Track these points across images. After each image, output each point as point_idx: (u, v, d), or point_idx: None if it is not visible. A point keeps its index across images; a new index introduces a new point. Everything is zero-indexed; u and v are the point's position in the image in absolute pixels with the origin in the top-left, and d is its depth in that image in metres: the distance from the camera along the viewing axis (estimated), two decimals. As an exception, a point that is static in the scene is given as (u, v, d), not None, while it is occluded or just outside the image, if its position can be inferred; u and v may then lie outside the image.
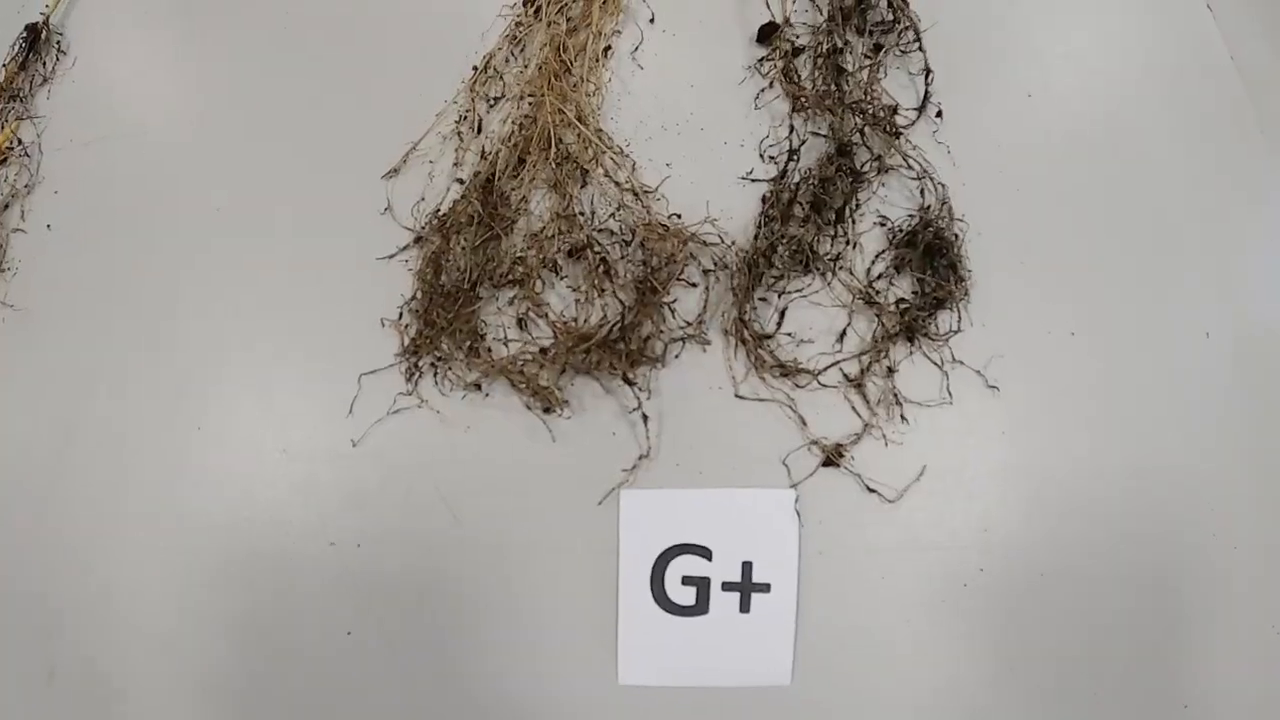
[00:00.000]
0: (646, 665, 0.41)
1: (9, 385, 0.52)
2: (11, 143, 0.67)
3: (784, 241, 0.44)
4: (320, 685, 0.42)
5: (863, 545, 0.41)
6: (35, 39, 0.72)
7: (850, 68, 0.53)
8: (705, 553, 0.41)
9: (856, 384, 0.45)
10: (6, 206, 0.64)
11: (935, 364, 0.44)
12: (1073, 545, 0.44)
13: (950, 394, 0.44)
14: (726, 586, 0.41)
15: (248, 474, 0.44)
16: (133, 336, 0.51)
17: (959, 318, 0.45)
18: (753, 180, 0.47)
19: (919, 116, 0.51)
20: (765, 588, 0.41)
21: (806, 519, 0.42)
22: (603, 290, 0.42)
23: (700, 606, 0.40)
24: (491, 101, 0.49)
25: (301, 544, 0.43)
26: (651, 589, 0.40)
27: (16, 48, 0.70)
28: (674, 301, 0.43)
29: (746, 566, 0.41)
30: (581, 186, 0.46)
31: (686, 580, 0.41)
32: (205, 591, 0.43)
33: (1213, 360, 0.48)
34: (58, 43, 0.73)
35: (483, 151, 0.46)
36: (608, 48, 0.50)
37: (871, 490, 0.42)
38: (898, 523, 0.42)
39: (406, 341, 0.43)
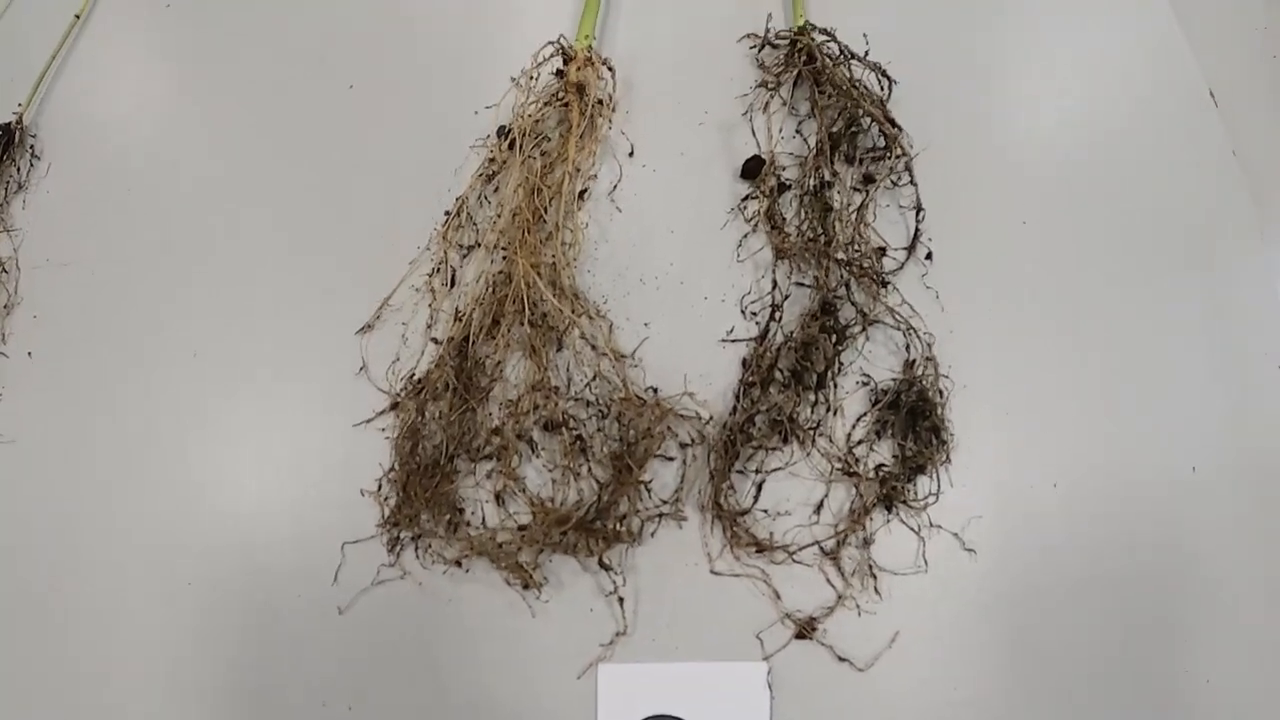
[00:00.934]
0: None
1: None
2: None
3: (763, 410, 0.47)
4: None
5: (835, 714, 0.44)
6: (9, 140, 0.72)
7: (838, 204, 0.53)
8: (682, 725, 0.47)
9: (832, 557, 0.48)
10: None
11: (912, 529, 0.46)
12: (1048, 711, 0.47)
13: (925, 561, 0.46)
14: (701, 759, 0.46)
15: (238, 637, 0.45)
16: (115, 476, 0.51)
17: (938, 483, 0.47)
18: (733, 340, 0.47)
19: (909, 257, 0.51)
20: (739, 758, 0.46)
21: (779, 690, 0.44)
22: (578, 468, 0.44)
23: (675, 781, 0.46)
24: (464, 251, 0.49)
25: (296, 708, 0.48)
26: (629, 762, 0.46)
27: None
28: (650, 481, 0.44)
29: (721, 738, 0.47)
30: (558, 350, 0.48)
31: (663, 754, 0.47)
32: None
33: (1203, 502, 0.51)
34: (31, 146, 0.73)
35: (456, 313, 0.47)
36: (584, 191, 0.50)
37: (842, 660, 0.44)
38: (870, 691, 0.44)
39: (386, 513, 0.45)
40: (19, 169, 0.73)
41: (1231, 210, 0.55)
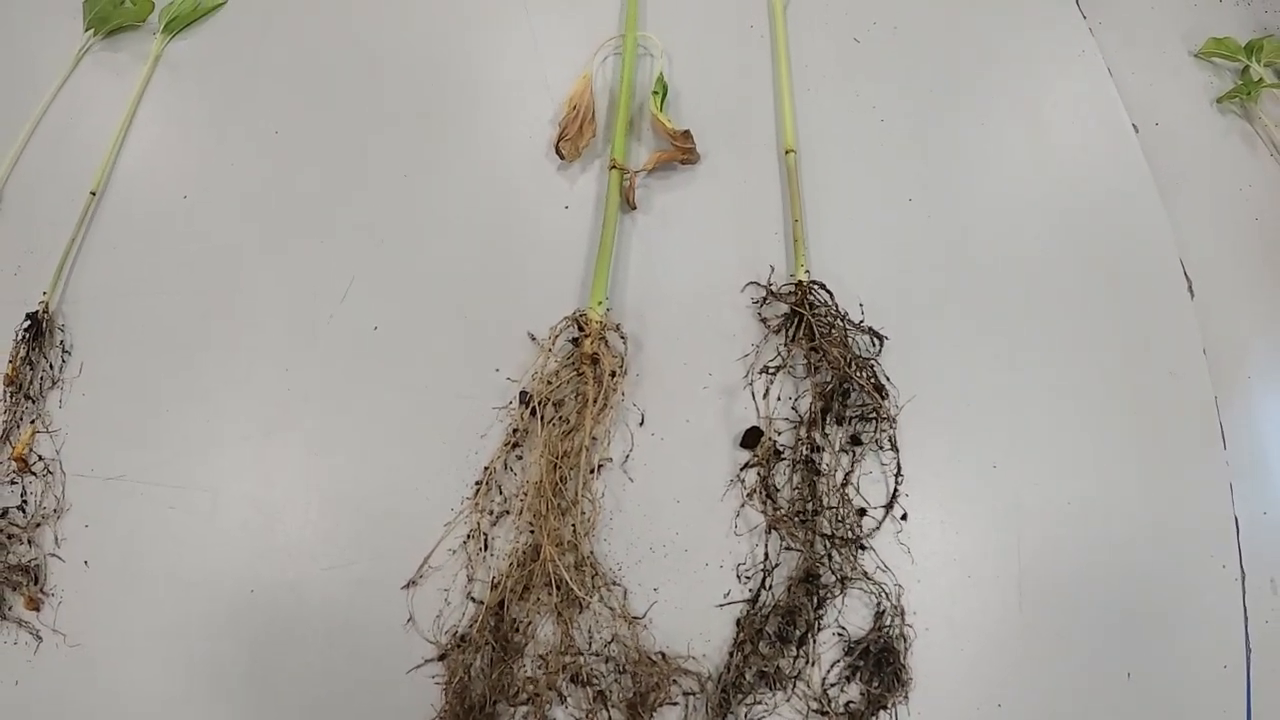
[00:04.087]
0: None
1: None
2: (29, 452, 0.82)
3: (752, 665, 0.64)
4: None
5: None
6: (37, 329, 0.84)
7: (825, 469, 0.67)
8: None
9: None
10: (39, 525, 0.81)
11: None
12: None
13: None
14: None
15: None
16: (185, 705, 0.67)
17: (897, 718, 0.62)
18: (729, 604, 0.62)
19: (886, 516, 0.67)
20: None
21: None
22: (600, 716, 0.62)
23: None
24: (495, 518, 0.64)
25: None
26: None
27: (19, 337, 0.80)
28: None
29: None
30: (579, 613, 0.64)
31: None
32: None
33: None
34: (61, 341, 0.83)
35: (493, 581, 0.62)
36: (599, 467, 0.64)
37: None
38: None
39: None
40: (50, 364, 0.87)
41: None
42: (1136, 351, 0.75)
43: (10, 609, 0.75)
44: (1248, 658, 0.69)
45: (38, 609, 0.75)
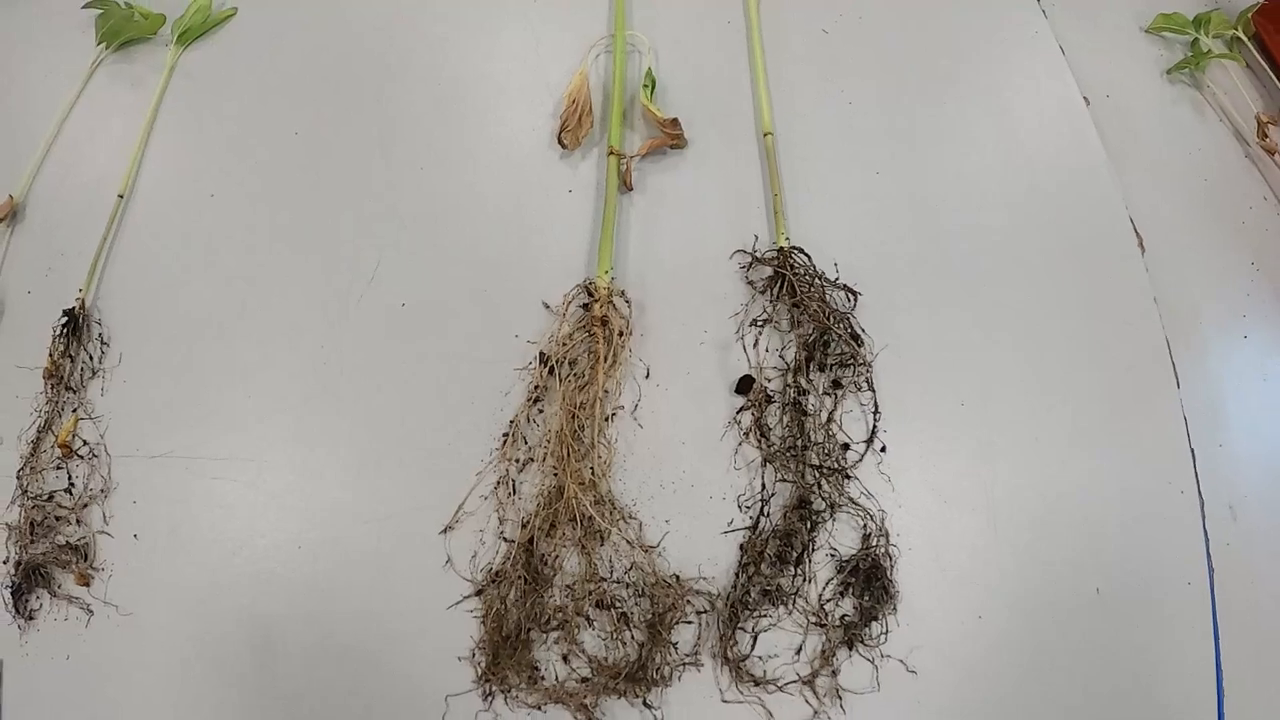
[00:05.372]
0: None
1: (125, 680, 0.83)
2: (73, 438, 0.95)
3: (756, 584, 0.76)
4: None
5: None
6: (74, 324, 0.97)
7: (811, 409, 0.82)
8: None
9: (810, 684, 0.79)
10: (85, 506, 0.93)
11: (869, 661, 0.74)
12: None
13: (879, 683, 0.75)
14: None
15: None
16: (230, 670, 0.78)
17: (886, 626, 0.76)
18: (733, 531, 0.75)
19: (867, 449, 0.80)
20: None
21: None
22: (624, 635, 0.73)
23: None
24: (520, 464, 0.77)
25: None
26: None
27: (58, 332, 0.93)
28: (675, 641, 0.72)
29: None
30: (601, 545, 0.76)
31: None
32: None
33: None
34: (99, 334, 0.95)
35: (522, 522, 0.74)
36: (613, 414, 0.76)
37: None
38: None
39: (479, 672, 0.73)
40: (90, 355, 1.00)
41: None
42: (1093, 303, 0.89)
43: (60, 587, 0.88)
44: (1210, 576, 0.81)
45: (88, 584, 0.87)
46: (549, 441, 0.75)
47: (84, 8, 1.08)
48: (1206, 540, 0.83)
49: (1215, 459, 0.89)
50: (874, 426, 0.77)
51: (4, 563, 0.88)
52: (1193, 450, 0.85)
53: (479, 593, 0.74)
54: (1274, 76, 1.10)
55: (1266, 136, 1.06)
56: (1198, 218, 1.02)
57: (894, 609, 0.75)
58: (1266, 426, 0.94)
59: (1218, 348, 0.96)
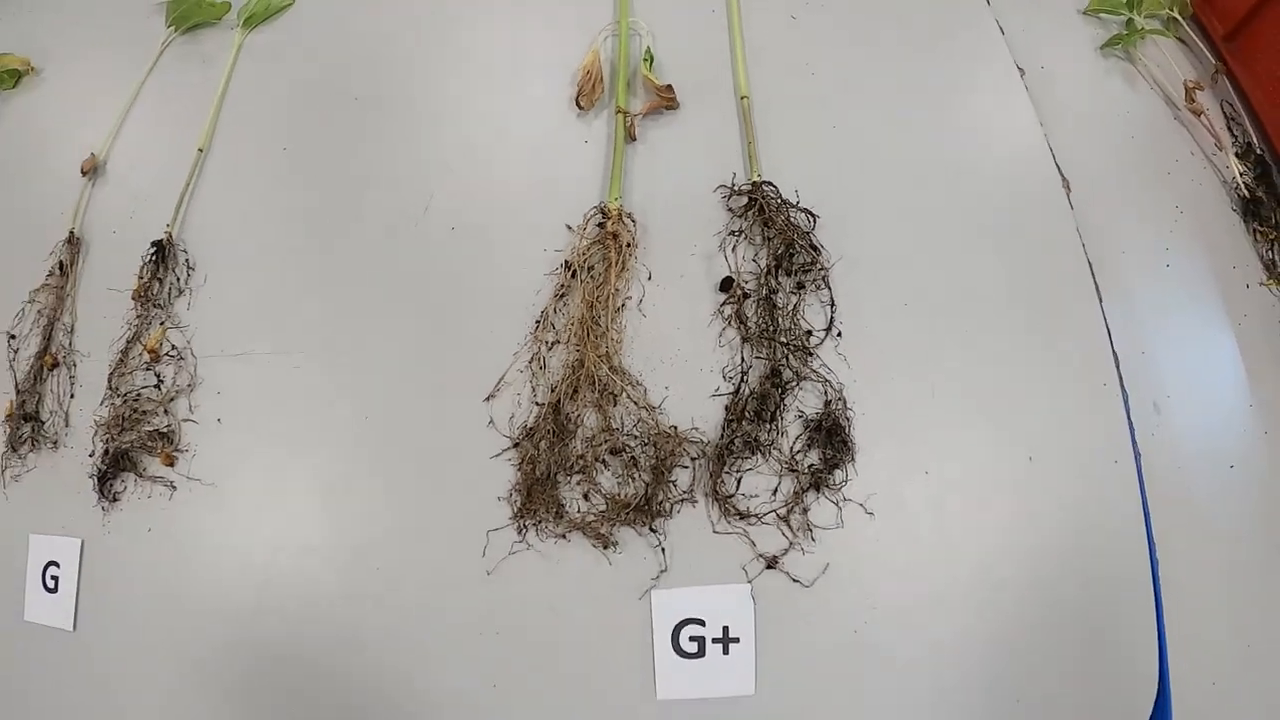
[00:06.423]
0: (671, 686, 1.02)
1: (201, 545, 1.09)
2: (161, 344, 1.22)
3: (739, 436, 1.04)
4: None
5: (793, 614, 0.97)
6: (162, 253, 1.25)
7: (781, 305, 1.09)
8: (701, 622, 0.95)
9: (785, 519, 1.04)
10: (172, 399, 1.19)
11: (833, 502, 0.98)
12: (936, 606, 1.03)
13: (843, 521, 1.01)
14: (714, 640, 0.93)
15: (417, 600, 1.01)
16: (304, 513, 1.06)
17: (847, 474, 1.03)
18: (719, 395, 0.98)
19: (826, 336, 1.09)
20: (737, 640, 0.97)
21: (758, 599, 0.97)
22: (633, 476, 1.01)
23: (700, 653, 0.93)
24: (550, 345, 1.04)
25: (457, 628, 1.04)
26: (673, 645, 0.92)
27: (147, 259, 1.19)
28: (675, 480, 0.97)
29: (725, 629, 0.98)
30: (614, 406, 1.04)
31: (691, 639, 0.92)
32: None
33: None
34: (185, 260, 1.25)
35: (551, 387, 1.01)
36: (622, 305, 1.06)
37: (795, 581, 1.00)
38: (812, 598, 0.99)
39: (515, 509, 0.99)
40: (177, 277, 1.27)
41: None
42: (1020, 231, 1.15)
43: (145, 470, 1.12)
44: (1137, 459, 0.99)
45: (173, 464, 1.11)
46: (572, 326, 1.00)
47: (155, -6, 1.30)
48: (1131, 428, 1.03)
49: (1137, 364, 1.10)
50: (831, 317, 1.03)
51: (90, 456, 1.10)
52: (1115, 354, 1.06)
53: (515, 445, 0.99)
54: (1206, 50, 1.28)
55: (1194, 100, 1.23)
56: (1122, 169, 1.22)
57: (852, 459, 1.00)
58: (1185, 336, 1.17)
59: (1136, 272, 1.19)
